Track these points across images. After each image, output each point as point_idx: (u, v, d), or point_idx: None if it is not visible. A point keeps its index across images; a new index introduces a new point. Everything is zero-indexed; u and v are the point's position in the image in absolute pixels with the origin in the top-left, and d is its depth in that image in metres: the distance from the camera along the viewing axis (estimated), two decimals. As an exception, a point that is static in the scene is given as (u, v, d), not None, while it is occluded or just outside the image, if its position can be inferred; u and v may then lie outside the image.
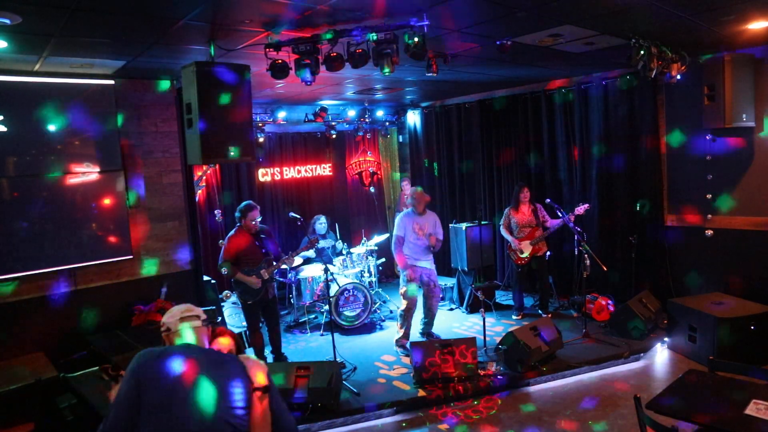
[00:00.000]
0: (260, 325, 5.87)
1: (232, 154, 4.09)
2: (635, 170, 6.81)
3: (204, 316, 2.44)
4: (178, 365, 2.17)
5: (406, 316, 6.19)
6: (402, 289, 6.21)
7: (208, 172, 7.69)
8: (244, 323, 6.30)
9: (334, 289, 6.81)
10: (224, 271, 5.55)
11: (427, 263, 6.23)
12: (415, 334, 6.51)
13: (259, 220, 5.63)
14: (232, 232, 5.62)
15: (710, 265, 6.28)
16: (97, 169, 5.20)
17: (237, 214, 5.60)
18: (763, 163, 5.80)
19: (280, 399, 2.36)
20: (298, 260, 7.18)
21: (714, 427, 2.93)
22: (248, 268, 5.50)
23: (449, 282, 8.11)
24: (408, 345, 5.93)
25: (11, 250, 4.76)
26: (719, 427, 2.90)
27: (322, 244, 6.42)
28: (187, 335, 2.34)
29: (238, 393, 2.19)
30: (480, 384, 5.19)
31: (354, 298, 7.06)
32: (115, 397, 2.14)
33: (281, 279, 7.06)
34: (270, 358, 5.95)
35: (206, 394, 2.13)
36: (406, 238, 6.16)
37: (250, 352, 5.90)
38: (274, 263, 5.65)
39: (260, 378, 2.23)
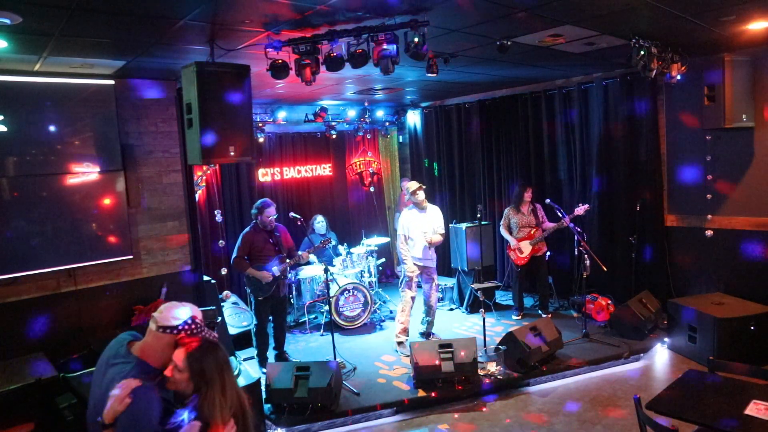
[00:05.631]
0: (268, 323, 5.93)
1: (232, 154, 4.10)
2: (635, 170, 6.81)
3: (165, 323, 2.20)
4: (101, 359, 2.29)
5: (406, 313, 6.27)
6: (402, 287, 6.27)
7: (208, 172, 7.69)
8: (245, 323, 6.31)
9: (334, 289, 6.81)
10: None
11: (430, 261, 6.26)
12: (415, 334, 6.52)
13: (275, 217, 5.76)
14: (247, 228, 5.82)
15: (710, 265, 6.28)
16: (97, 169, 5.20)
17: (254, 211, 5.80)
18: (763, 163, 5.80)
19: None
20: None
21: (714, 427, 2.93)
22: (260, 264, 5.63)
23: (449, 282, 8.11)
24: (408, 343, 5.96)
25: (11, 250, 4.75)
26: (719, 427, 2.90)
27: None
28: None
29: (98, 409, 2.10)
30: (480, 384, 5.19)
31: (354, 298, 7.07)
32: None
33: (287, 276, 7.07)
34: (272, 356, 5.97)
35: (92, 396, 2.22)
36: (409, 235, 6.18)
37: (251, 351, 5.91)
38: (288, 260, 5.72)
39: (105, 412, 2.03)
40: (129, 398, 2.02)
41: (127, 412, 2.01)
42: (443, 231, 6.26)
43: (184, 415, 2.10)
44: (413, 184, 6.26)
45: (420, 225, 6.16)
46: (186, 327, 2.21)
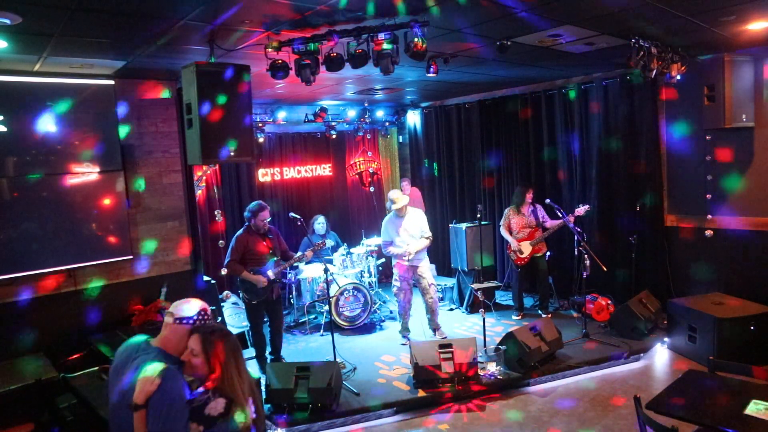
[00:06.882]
0: (263, 325, 5.89)
1: (231, 154, 4.10)
2: (635, 170, 6.80)
3: (180, 315, 2.41)
4: (119, 360, 2.44)
5: (403, 313, 6.51)
6: (394, 289, 6.48)
7: (208, 172, 7.69)
8: (245, 323, 6.30)
9: (334, 289, 6.81)
10: (224, 271, 5.54)
11: (419, 261, 6.33)
12: (418, 334, 6.54)
13: (269, 220, 5.66)
14: (240, 231, 5.65)
15: (710, 265, 6.28)
16: (97, 169, 5.20)
17: (247, 214, 5.63)
18: (763, 163, 5.80)
19: (165, 422, 2.14)
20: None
21: (714, 427, 2.93)
22: (255, 267, 5.53)
23: (449, 282, 8.10)
24: (408, 339, 6.27)
25: (11, 250, 4.76)
26: (719, 427, 2.90)
27: (328, 243, 6.50)
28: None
29: (127, 396, 2.21)
30: (480, 384, 5.19)
31: (354, 298, 7.07)
32: None
33: (282, 279, 7.08)
34: (269, 359, 5.96)
35: (115, 392, 2.34)
36: (393, 242, 6.31)
37: (250, 352, 5.91)
38: (283, 263, 5.68)
39: (136, 395, 2.17)
40: (158, 379, 2.17)
41: (159, 391, 2.16)
42: (429, 234, 6.34)
43: (209, 393, 2.28)
44: (393, 194, 6.29)
45: (402, 230, 6.24)
46: (199, 317, 2.44)
